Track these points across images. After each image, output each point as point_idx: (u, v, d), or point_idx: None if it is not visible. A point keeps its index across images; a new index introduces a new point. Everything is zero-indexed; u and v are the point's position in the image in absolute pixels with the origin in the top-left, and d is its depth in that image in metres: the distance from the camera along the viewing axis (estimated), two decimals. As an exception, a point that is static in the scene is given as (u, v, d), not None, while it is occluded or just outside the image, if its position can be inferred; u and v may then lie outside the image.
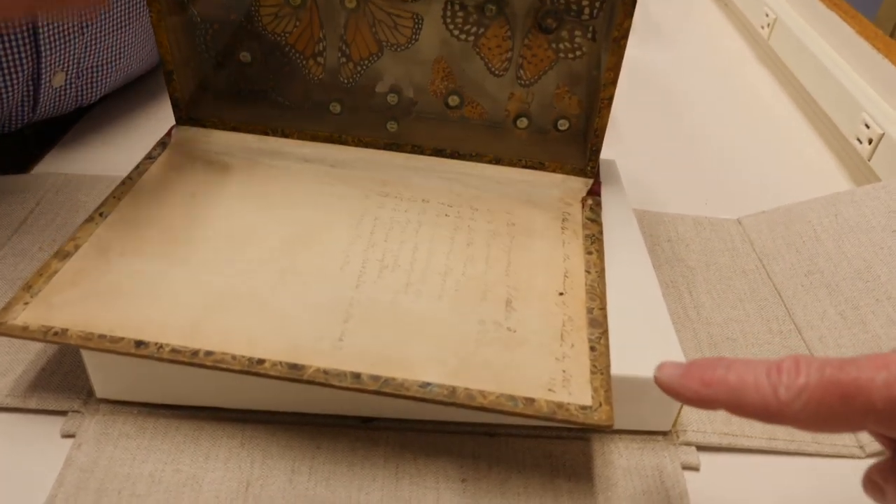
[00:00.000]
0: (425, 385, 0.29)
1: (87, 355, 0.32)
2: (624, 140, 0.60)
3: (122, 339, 0.30)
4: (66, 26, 0.45)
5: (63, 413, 0.33)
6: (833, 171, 0.59)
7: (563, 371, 0.30)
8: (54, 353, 0.35)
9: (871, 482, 0.25)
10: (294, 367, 0.29)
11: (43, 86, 0.47)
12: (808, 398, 0.21)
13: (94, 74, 0.51)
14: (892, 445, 0.25)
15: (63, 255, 0.34)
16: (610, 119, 0.40)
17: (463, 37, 0.41)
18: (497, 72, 0.42)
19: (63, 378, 0.34)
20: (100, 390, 0.33)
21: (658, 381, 0.25)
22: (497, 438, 0.33)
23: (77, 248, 0.34)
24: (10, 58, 0.44)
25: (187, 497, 0.30)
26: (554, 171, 0.42)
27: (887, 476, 0.24)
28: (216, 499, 0.30)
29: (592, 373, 0.30)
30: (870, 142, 0.55)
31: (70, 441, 0.32)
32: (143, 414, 0.33)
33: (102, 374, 0.32)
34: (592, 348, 0.31)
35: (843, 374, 0.21)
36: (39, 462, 0.31)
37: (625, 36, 0.37)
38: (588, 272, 0.35)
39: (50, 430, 0.32)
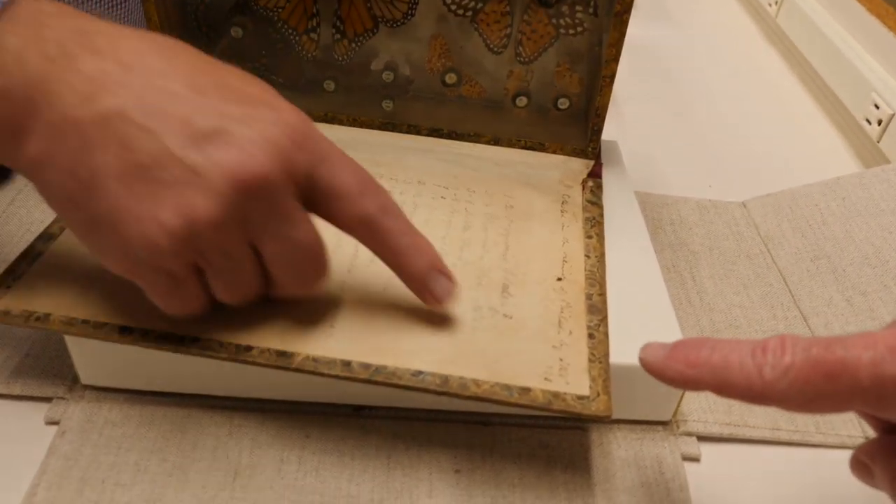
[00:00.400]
0: (417, 373, 0.28)
1: (70, 341, 0.31)
2: (626, 120, 0.58)
3: (106, 324, 0.29)
4: None
5: (48, 399, 0.32)
6: (841, 152, 0.58)
7: (561, 359, 0.29)
8: (40, 337, 0.34)
9: (859, 462, 0.25)
10: (282, 354, 0.28)
11: None
12: (794, 377, 0.21)
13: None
14: (879, 425, 0.24)
15: (47, 237, 0.33)
16: (612, 98, 0.39)
17: (461, 12, 0.40)
18: (496, 49, 0.41)
19: (48, 363, 0.33)
20: (84, 376, 0.32)
21: (643, 362, 0.25)
22: (492, 427, 0.32)
23: (63, 229, 0.33)
24: None
25: (173, 487, 0.29)
26: (554, 151, 0.41)
27: (874, 456, 0.24)
28: (203, 489, 0.29)
29: (590, 361, 0.29)
30: (879, 123, 0.54)
31: (54, 428, 0.31)
32: (129, 401, 0.32)
33: (87, 360, 0.31)
34: (591, 335, 0.30)
35: (830, 353, 0.21)
36: (23, 449, 0.30)
37: (627, 10, 0.35)
38: (587, 257, 0.34)
39: (34, 416, 0.32)
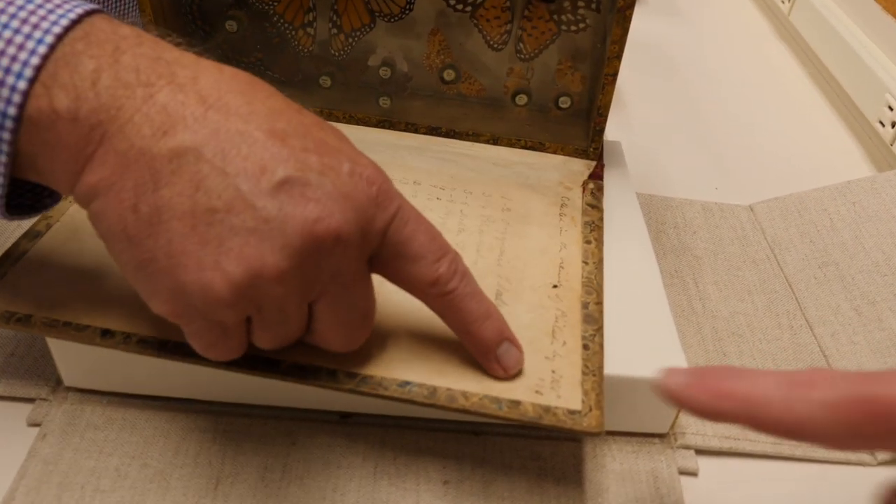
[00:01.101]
0: (404, 384, 0.27)
1: (52, 343, 0.30)
2: (630, 119, 0.57)
3: (88, 327, 0.28)
4: None
5: (31, 400, 0.31)
6: (853, 155, 0.56)
7: (553, 371, 0.28)
8: (25, 337, 0.34)
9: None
10: (267, 362, 0.27)
11: None
12: (829, 415, 0.20)
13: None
14: None
15: (33, 235, 0.32)
16: (616, 97, 0.38)
17: (460, 7, 0.39)
18: (496, 45, 0.40)
19: (33, 363, 0.33)
20: (67, 378, 0.31)
21: (664, 390, 0.23)
22: (482, 437, 0.31)
23: (49, 227, 0.33)
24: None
25: (154, 494, 0.28)
26: (554, 152, 0.40)
27: None
28: (184, 497, 0.28)
29: (584, 374, 0.28)
30: (893, 125, 0.52)
31: (36, 430, 0.30)
32: (112, 403, 0.31)
33: (69, 362, 0.31)
34: (585, 346, 0.29)
35: (867, 390, 0.20)
36: (4, 451, 0.30)
37: (631, 6, 0.34)
38: (585, 263, 0.33)
39: (17, 417, 0.31)
